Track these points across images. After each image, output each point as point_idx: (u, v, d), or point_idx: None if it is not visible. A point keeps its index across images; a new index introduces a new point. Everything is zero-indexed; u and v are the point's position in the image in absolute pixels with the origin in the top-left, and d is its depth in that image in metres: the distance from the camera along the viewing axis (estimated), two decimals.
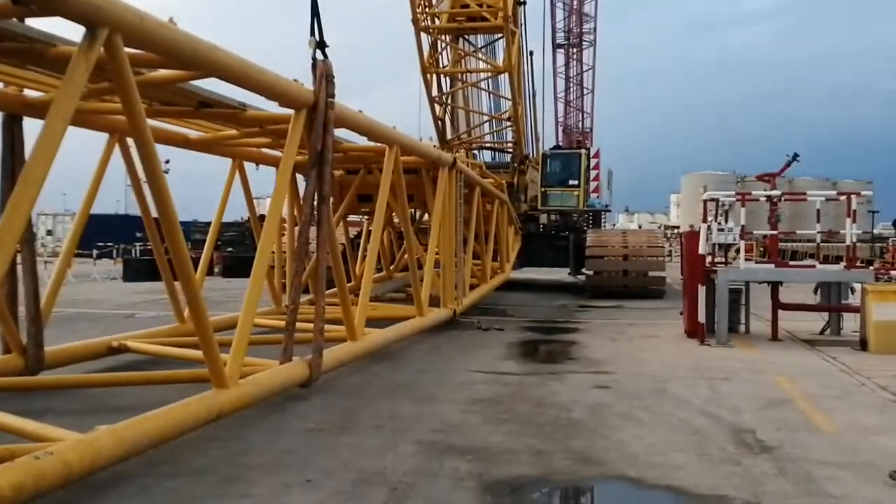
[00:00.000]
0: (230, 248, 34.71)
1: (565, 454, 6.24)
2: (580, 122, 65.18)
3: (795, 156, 13.36)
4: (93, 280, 29.45)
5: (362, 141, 12.30)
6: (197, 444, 6.25)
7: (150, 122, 10.12)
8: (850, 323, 13.94)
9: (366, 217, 19.95)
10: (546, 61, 53.71)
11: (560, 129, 63.34)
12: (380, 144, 11.66)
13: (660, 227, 65.97)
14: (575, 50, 63.24)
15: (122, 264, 31.96)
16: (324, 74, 8.05)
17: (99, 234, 46.16)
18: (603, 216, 30.85)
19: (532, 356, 11.68)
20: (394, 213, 17.25)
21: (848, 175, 54.35)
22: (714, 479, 5.67)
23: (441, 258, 14.28)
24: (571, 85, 64.34)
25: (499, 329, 14.38)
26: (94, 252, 32.17)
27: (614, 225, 57.88)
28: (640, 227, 76.07)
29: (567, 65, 63.43)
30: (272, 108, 8.95)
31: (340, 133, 12.07)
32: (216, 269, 33.62)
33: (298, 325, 8.85)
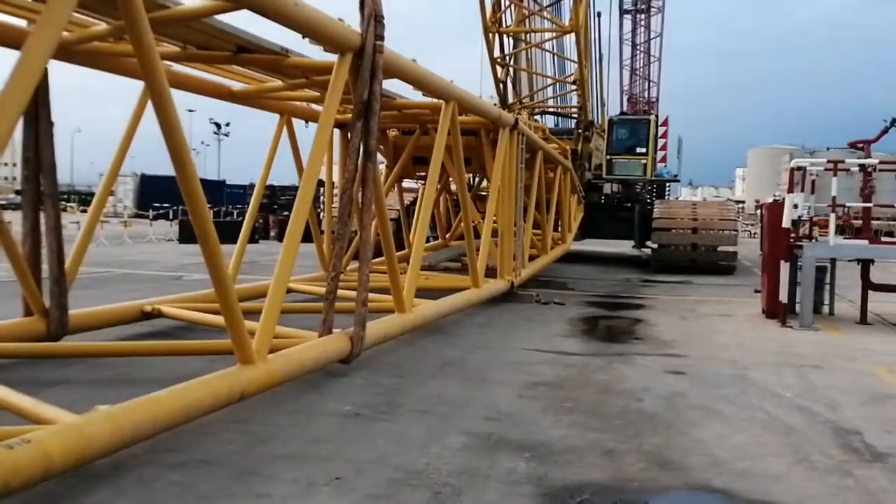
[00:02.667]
0: (286, 212, 34.27)
1: (638, 455, 5.33)
2: (646, 91, 63.31)
3: (894, 121, 12.08)
4: (148, 241, 29.28)
5: (418, 97, 11.45)
6: (215, 428, 5.50)
7: (190, 70, 9.50)
8: None
9: (422, 182, 19.07)
10: (612, 28, 52.12)
11: (625, 97, 61.49)
12: (436, 101, 10.76)
13: (727, 201, 63.85)
14: (643, 16, 61.21)
15: (177, 226, 31.71)
16: (372, 14, 7.16)
17: (158, 195, 46.26)
18: (667, 188, 29.55)
19: (595, 334, 10.73)
20: (450, 178, 16.41)
21: None
22: (821, 493, 4.71)
23: (499, 226, 13.38)
24: (638, 52, 62.41)
25: (559, 303, 13.45)
26: (150, 213, 32.01)
27: (677, 198, 56.36)
28: (704, 199, 73.80)
29: (634, 31, 61.42)
30: (320, 56, 8.19)
31: (393, 88, 11.25)
32: (272, 233, 33.28)
33: (345, 293, 8.11)
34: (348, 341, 7.15)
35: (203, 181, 12.43)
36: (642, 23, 61.41)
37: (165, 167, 6.45)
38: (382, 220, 8.33)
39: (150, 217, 31.57)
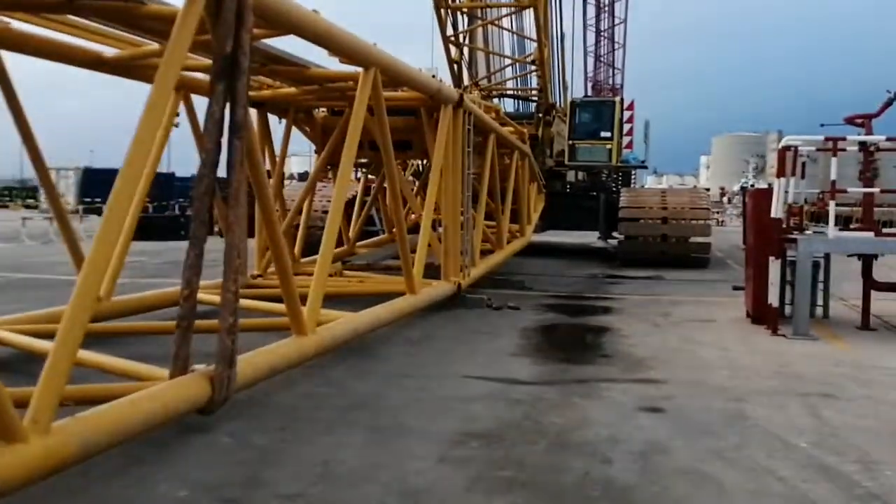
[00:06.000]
0: None
1: None
2: (610, 78, 61.97)
3: None
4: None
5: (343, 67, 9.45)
6: None
7: (41, 31, 7.49)
8: None
9: (364, 171, 17.12)
10: (576, 13, 50.46)
11: (589, 84, 59.99)
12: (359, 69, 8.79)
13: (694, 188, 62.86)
14: (606, 1, 59.61)
15: None
16: None
17: (103, 189, 43.52)
18: (633, 175, 27.82)
19: (553, 351, 8.85)
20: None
21: None
22: None
23: (443, 219, 11.49)
24: (602, 39, 60.92)
25: (513, 308, 11.56)
26: (80, 208, 29.75)
27: (643, 186, 55.09)
28: (671, 187, 72.90)
29: (598, 17, 59.82)
30: None
31: (313, 57, 9.33)
32: (216, 228, 31.04)
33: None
34: (207, 384, 5.18)
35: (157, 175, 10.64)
36: (606, 9, 59.85)
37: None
38: (267, 215, 6.35)
39: (80, 211, 29.23)
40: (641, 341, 9.30)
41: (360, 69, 8.58)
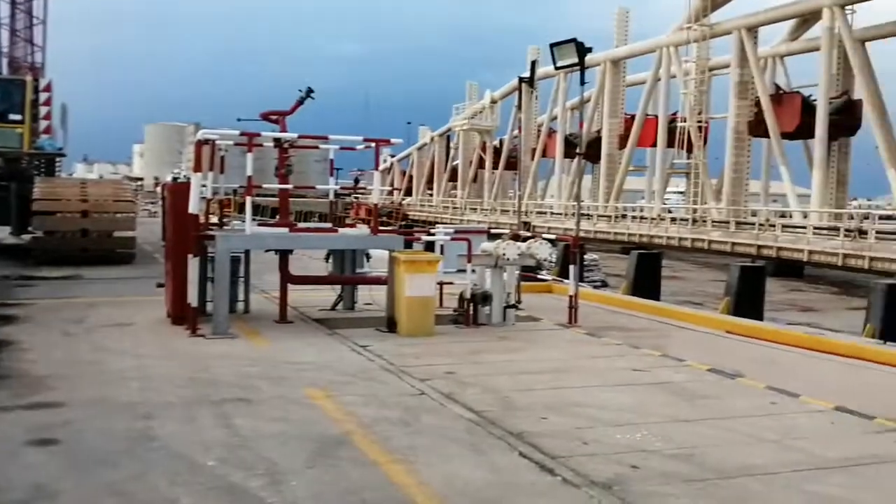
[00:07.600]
0: None
1: None
2: (29, 56, 56.70)
3: (309, 91, 10.76)
4: None
5: None
6: None
7: None
8: (360, 292, 12.00)
9: None
10: None
11: (5, 60, 54.07)
12: None
13: (123, 179, 60.83)
14: None
15: None
16: None
17: None
18: (57, 163, 25.49)
19: None
20: None
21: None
22: None
23: None
24: (18, 12, 55.36)
25: None
26: None
27: (71, 174, 51.12)
28: (101, 177, 69.63)
29: None
30: None
31: None
32: None
33: None
34: None
35: None
36: None
37: None
38: None
39: None
40: (46, 355, 8.17)
41: None
